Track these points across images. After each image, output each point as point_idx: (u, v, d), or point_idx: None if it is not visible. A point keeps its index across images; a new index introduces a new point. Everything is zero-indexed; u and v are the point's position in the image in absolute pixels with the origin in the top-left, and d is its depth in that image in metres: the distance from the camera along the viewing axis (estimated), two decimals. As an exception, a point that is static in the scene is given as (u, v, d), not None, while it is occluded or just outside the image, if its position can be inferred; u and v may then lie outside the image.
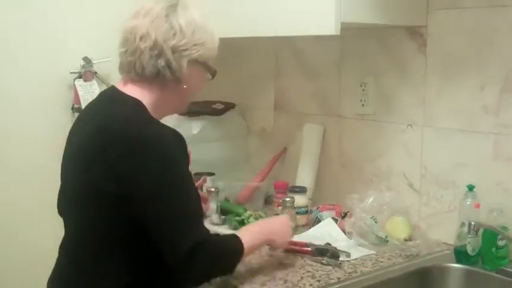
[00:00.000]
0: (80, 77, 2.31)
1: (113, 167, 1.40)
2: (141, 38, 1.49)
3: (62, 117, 2.31)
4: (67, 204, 1.55)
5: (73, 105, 2.32)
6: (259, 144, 2.58)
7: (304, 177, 2.28)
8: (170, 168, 1.41)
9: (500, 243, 1.70)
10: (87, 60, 2.31)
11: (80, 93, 2.29)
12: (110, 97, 1.57)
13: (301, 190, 2.15)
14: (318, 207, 2.11)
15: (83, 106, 2.25)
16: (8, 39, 2.20)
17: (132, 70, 1.52)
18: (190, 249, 1.39)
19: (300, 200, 2.09)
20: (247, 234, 1.59)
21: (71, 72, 2.31)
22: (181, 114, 2.48)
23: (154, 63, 1.50)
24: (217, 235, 1.56)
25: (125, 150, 1.40)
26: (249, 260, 1.75)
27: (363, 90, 2.16)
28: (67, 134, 2.24)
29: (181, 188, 1.43)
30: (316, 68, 2.34)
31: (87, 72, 2.32)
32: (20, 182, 2.25)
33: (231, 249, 1.52)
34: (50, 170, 2.24)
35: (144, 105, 1.50)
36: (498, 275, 1.67)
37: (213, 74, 1.62)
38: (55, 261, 1.58)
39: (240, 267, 1.68)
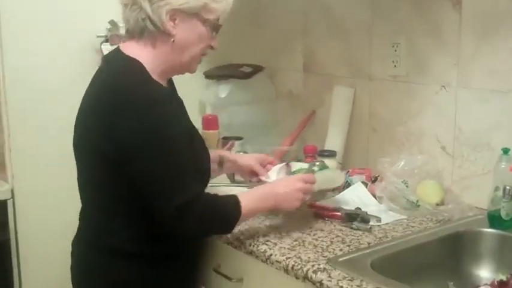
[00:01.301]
0: (106, 41, 2.28)
1: (109, 129, 1.44)
2: None
3: (88, 82, 2.29)
4: (78, 165, 1.60)
5: (100, 69, 2.30)
6: (288, 108, 2.53)
7: (334, 140, 2.25)
8: (162, 127, 1.44)
9: (536, 207, 1.65)
10: (114, 24, 2.28)
11: (107, 58, 2.27)
12: (109, 59, 1.60)
13: (331, 154, 2.12)
14: (348, 171, 2.08)
15: (110, 70, 2.25)
16: (34, 4, 2.18)
17: (126, 27, 1.56)
18: (179, 206, 1.43)
19: (329, 164, 2.05)
20: (249, 197, 1.60)
21: (98, 36, 2.28)
22: (208, 77, 2.47)
23: (136, 18, 1.51)
24: (213, 195, 1.56)
25: (119, 112, 1.43)
26: (277, 223, 1.74)
27: (395, 50, 2.10)
28: None
29: (173, 146, 1.46)
30: (347, 28, 2.28)
31: (113, 36, 2.28)
32: (50, 145, 2.25)
33: (226, 209, 1.54)
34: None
35: (141, 64, 1.51)
36: (534, 240, 1.63)
37: (215, 27, 1.57)
38: None
39: (269, 232, 1.67)
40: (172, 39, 1.52)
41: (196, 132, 1.72)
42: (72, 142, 1.60)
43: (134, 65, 1.51)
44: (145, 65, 1.51)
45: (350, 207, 1.82)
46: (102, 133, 1.46)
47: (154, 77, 1.52)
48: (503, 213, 1.68)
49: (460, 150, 1.94)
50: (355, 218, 1.74)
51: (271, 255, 1.55)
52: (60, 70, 2.26)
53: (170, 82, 1.68)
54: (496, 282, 1.40)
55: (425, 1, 1.98)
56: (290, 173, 1.84)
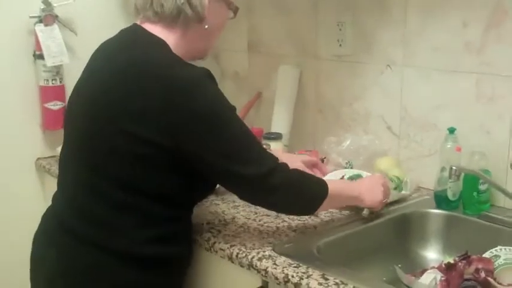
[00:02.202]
0: (40, 21, 2.17)
1: (150, 116, 1.30)
2: None
3: (23, 65, 2.19)
4: (84, 150, 1.40)
5: (34, 52, 2.18)
6: (234, 90, 2.47)
7: (280, 123, 2.20)
8: (217, 106, 1.34)
9: (482, 187, 1.64)
10: (47, 3, 2.16)
11: (41, 39, 2.15)
12: (133, 35, 1.44)
13: (277, 136, 2.06)
14: (295, 153, 2.03)
15: (45, 52, 2.14)
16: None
17: (150, 9, 1.41)
18: (271, 168, 1.36)
19: (276, 146, 2.00)
20: (336, 183, 1.56)
21: (31, 17, 2.16)
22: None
23: (173, 1, 1.39)
24: (295, 169, 1.47)
25: (165, 98, 1.30)
26: (222, 209, 1.68)
27: (340, 29, 2.05)
28: (30, 81, 2.19)
29: (233, 121, 1.37)
30: (292, 6, 2.22)
31: (47, 16, 2.17)
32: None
33: (314, 185, 1.45)
34: (15, 122, 2.18)
35: (169, 46, 1.40)
36: (480, 220, 1.62)
37: (235, 10, 1.53)
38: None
39: (214, 218, 1.62)
40: (206, 26, 1.44)
41: None
42: (73, 121, 1.44)
43: (163, 43, 1.40)
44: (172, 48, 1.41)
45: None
46: (148, 113, 1.30)
47: None
48: (449, 194, 1.66)
49: (406, 131, 1.92)
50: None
51: (214, 243, 1.50)
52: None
53: None
54: (443, 265, 1.38)
55: (370, -22, 1.95)
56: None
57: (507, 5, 1.64)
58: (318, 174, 1.72)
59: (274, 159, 1.40)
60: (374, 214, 1.63)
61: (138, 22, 1.46)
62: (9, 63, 2.17)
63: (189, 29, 1.43)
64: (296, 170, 1.45)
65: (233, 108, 1.39)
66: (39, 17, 2.17)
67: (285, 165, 1.40)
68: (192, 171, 1.37)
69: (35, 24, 2.17)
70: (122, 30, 1.48)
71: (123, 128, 1.32)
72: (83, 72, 1.49)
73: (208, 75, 1.35)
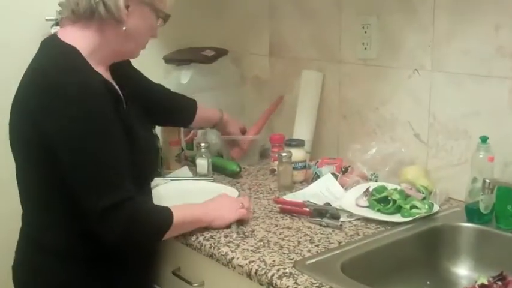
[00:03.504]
0: (56, 24, 2.12)
1: (36, 119, 1.36)
2: None
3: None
4: (15, 161, 1.51)
5: (51, 55, 2.15)
6: (254, 94, 2.40)
7: (302, 129, 2.12)
8: (90, 118, 1.34)
9: (517, 200, 1.54)
10: (64, 6, 2.12)
11: (58, 42, 2.11)
12: (44, 45, 1.49)
13: (299, 143, 1.99)
14: (317, 162, 1.96)
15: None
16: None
17: (68, 7, 1.45)
18: (104, 210, 1.34)
19: (297, 154, 1.93)
20: (181, 208, 1.53)
21: (47, 20, 2.12)
22: (168, 62, 2.32)
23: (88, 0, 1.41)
24: (144, 201, 1.49)
25: (45, 102, 1.35)
26: (241, 222, 1.61)
27: (365, 32, 1.97)
28: None
29: (101, 144, 1.36)
30: (315, 8, 2.14)
31: (64, 19, 2.11)
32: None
33: (156, 216, 1.46)
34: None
35: (77, 51, 1.41)
36: (514, 235, 1.53)
37: (164, 18, 1.52)
38: None
39: (231, 231, 1.55)
40: (123, 27, 1.44)
41: (145, 132, 1.59)
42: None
43: (69, 51, 1.41)
44: (82, 51, 1.42)
45: (319, 201, 1.70)
46: (31, 124, 1.38)
47: (92, 63, 1.42)
48: (481, 207, 1.57)
49: (435, 138, 1.83)
50: (325, 214, 1.62)
51: (232, 258, 1.43)
52: (10, 58, 2.09)
53: (123, 75, 1.57)
54: (477, 286, 1.29)
55: (397, -21, 1.86)
56: (370, 195, 1.69)
57: (544, 6, 1.55)
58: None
59: (123, 192, 1.37)
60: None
61: (61, 23, 1.53)
62: (25, 65, 2.11)
63: (106, 29, 1.44)
64: (141, 203, 1.43)
65: (108, 131, 1.37)
66: (55, 19, 2.12)
67: (131, 199, 1.38)
68: None
69: (51, 26, 2.13)
70: (42, 41, 1.53)
71: (21, 135, 1.42)
72: None
73: (100, 85, 1.38)
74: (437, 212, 1.65)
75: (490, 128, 1.66)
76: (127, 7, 1.43)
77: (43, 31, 2.12)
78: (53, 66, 1.40)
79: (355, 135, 2.04)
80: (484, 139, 1.60)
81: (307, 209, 1.65)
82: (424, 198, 1.68)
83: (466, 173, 1.66)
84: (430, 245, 1.58)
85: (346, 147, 1.96)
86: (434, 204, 1.66)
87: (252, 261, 1.39)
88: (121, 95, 1.50)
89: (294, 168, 1.91)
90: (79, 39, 1.43)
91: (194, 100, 1.95)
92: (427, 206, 1.63)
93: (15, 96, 1.47)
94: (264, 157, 2.20)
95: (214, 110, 2.01)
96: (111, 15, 1.41)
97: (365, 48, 1.98)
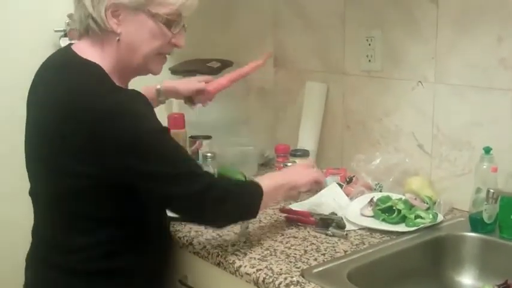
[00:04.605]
0: (65, 35, 2.15)
1: (82, 146, 1.31)
2: None
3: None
4: (33, 178, 1.47)
5: (58, 66, 2.17)
6: (259, 105, 2.43)
7: (307, 139, 2.15)
8: (140, 131, 1.31)
9: (520, 210, 1.56)
10: (72, 17, 2.15)
11: (66, 53, 2.14)
12: (66, 61, 1.43)
13: (304, 153, 2.01)
14: (322, 172, 1.98)
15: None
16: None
17: (74, 23, 1.46)
18: (200, 190, 1.36)
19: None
20: (265, 179, 1.55)
21: (56, 31, 2.14)
22: (174, 73, 2.34)
23: (79, 15, 1.39)
24: (228, 178, 1.55)
25: (89, 129, 1.29)
26: (248, 230, 1.63)
27: (369, 44, 2.00)
28: None
29: (160, 142, 1.35)
30: (319, 20, 2.17)
31: (72, 30, 2.14)
32: (4, 147, 2.11)
33: (247, 189, 1.49)
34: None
35: (102, 69, 1.37)
36: (518, 245, 1.55)
37: (168, 23, 1.40)
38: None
39: (238, 240, 1.57)
40: (117, 38, 1.38)
41: None
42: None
43: (96, 70, 1.37)
44: (104, 68, 1.38)
45: (324, 211, 1.72)
46: (79, 159, 1.32)
47: (115, 80, 1.39)
48: (485, 216, 1.59)
49: (439, 149, 1.85)
50: (330, 223, 1.63)
51: (240, 266, 1.45)
52: (19, 68, 2.10)
53: None
54: (481, 295, 1.32)
55: (401, -8, 1.89)
56: (375, 205, 1.71)
57: (546, 20, 1.58)
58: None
59: (206, 175, 1.42)
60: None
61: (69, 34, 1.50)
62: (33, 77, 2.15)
63: (104, 43, 1.39)
64: (227, 180, 1.51)
65: (160, 130, 1.36)
66: (64, 30, 2.15)
67: (217, 178, 1.47)
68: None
69: (60, 38, 2.15)
70: (53, 54, 1.50)
71: (57, 155, 1.34)
72: (29, 102, 1.49)
73: (133, 99, 1.34)
74: (441, 222, 1.67)
75: (493, 138, 1.68)
76: (117, 16, 1.36)
77: (52, 42, 2.16)
78: (93, 91, 1.33)
79: (359, 145, 2.06)
80: (487, 150, 1.62)
81: (312, 219, 1.67)
82: (428, 208, 1.70)
83: (469, 184, 1.67)
84: (434, 255, 1.60)
85: (351, 158, 1.98)
86: (439, 214, 1.69)
87: (260, 270, 1.41)
88: None
89: (299, 178, 1.93)
90: (92, 54, 1.39)
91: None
92: (431, 216, 1.66)
93: (36, 114, 1.42)
94: (268, 167, 2.22)
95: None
96: (100, 27, 1.37)
97: (369, 60, 2.01)
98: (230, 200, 1.42)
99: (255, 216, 1.51)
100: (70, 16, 2.14)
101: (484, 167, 1.62)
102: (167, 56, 1.49)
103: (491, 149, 1.62)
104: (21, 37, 2.11)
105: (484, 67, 1.72)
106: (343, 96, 2.12)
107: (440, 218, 1.68)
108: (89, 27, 1.38)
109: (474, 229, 1.62)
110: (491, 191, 1.50)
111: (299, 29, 2.25)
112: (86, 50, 1.41)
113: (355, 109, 2.09)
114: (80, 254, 1.40)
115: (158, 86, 1.81)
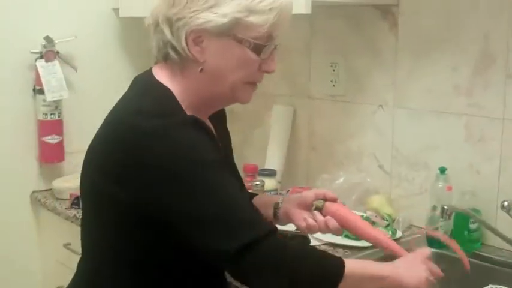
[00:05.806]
0: (41, 57, 2.21)
1: (111, 167, 1.19)
2: (150, 15, 1.27)
3: (23, 99, 2.23)
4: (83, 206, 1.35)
5: (34, 86, 2.23)
6: (228, 127, 2.50)
7: (274, 160, 2.23)
8: (181, 160, 1.14)
9: (473, 226, 1.68)
10: (49, 40, 2.21)
11: (42, 74, 2.19)
12: (137, 83, 1.29)
13: (271, 173, 2.11)
14: (288, 191, 2.07)
15: (45, 87, 2.18)
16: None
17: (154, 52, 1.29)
18: (237, 252, 1.12)
19: (269, 183, 2.05)
20: (359, 262, 1.34)
21: (32, 52, 2.21)
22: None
23: (158, 42, 1.25)
24: (285, 241, 1.23)
25: (125, 148, 1.16)
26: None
27: (333, 70, 2.11)
28: (28, 115, 2.21)
29: (204, 178, 1.15)
30: (286, 47, 2.26)
31: (48, 52, 2.22)
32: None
33: (318, 263, 1.19)
34: (11, 155, 2.20)
35: (173, 95, 1.22)
36: (471, 259, 1.64)
37: (256, 49, 1.22)
38: None
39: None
40: (200, 68, 1.22)
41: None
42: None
43: (166, 95, 1.22)
44: (176, 95, 1.23)
45: (289, 228, 1.80)
46: (121, 176, 1.18)
47: (188, 111, 1.22)
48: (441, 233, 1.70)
49: (398, 169, 1.97)
50: (294, 239, 1.72)
51: None
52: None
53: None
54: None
55: (363, 22, 2.01)
56: None
57: (493, 52, 1.71)
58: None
59: (259, 228, 1.15)
60: None
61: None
62: (9, 97, 2.21)
63: (185, 70, 1.24)
64: (281, 240, 1.18)
65: (209, 163, 1.16)
66: (40, 52, 2.21)
67: (267, 236, 1.14)
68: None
69: (36, 59, 2.21)
70: (136, 78, 1.32)
71: (100, 184, 1.22)
72: None
73: (184, 124, 1.17)
74: (400, 238, 1.78)
75: (448, 160, 1.80)
76: (200, 43, 1.21)
77: (28, 64, 2.22)
78: (139, 110, 1.19)
79: (324, 165, 2.16)
80: (442, 170, 1.74)
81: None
82: (388, 225, 1.80)
83: (426, 202, 1.79)
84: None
85: (316, 177, 2.07)
86: (397, 231, 1.80)
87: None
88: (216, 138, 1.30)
89: (267, 196, 2.02)
90: (169, 79, 1.25)
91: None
92: (390, 232, 1.76)
93: (91, 144, 1.28)
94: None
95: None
96: (180, 55, 1.22)
97: (333, 85, 2.12)
98: (279, 273, 1.15)
99: None
100: (46, 38, 2.21)
101: (440, 185, 1.73)
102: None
103: (446, 169, 1.74)
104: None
105: (439, 93, 1.84)
106: (308, 119, 2.23)
107: (399, 234, 1.78)
108: (168, 56, 1.24)
109: (430, 244, 1.72)
110: (445, 207, 1.61)
111: (267, 55, 2.34)
112: (162, 73, 1.26)
113: (320, 131, 2.19)
114: None
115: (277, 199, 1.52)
